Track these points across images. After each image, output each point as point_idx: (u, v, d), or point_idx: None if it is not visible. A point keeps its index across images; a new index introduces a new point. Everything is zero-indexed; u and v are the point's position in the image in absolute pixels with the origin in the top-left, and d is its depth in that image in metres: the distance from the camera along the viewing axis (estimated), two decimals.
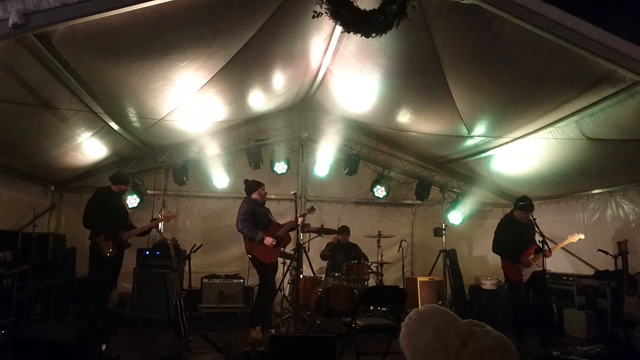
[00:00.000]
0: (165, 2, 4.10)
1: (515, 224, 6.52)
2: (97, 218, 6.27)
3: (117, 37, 4.59)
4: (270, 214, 6.88)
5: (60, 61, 4.62)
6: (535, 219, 6.38)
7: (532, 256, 6.36)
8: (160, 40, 4.96)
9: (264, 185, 6.85)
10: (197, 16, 4.72)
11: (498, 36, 4.90)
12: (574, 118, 5.79)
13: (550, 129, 6.28)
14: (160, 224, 8.10)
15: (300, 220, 6.65)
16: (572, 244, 6.81)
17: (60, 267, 7.42)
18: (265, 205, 6.89)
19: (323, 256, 8.21)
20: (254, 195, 6.74)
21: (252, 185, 6.83)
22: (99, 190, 6.59)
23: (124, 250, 6.50)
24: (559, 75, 5.22)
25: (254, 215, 6.53)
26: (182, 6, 4.29)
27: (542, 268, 6.24)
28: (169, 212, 8.04)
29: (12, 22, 3.72)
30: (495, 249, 6.68)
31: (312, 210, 6.96)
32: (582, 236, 6.66)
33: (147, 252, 7.57)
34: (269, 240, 6.35)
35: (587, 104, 5.41)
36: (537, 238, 6.34)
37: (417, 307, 7.60)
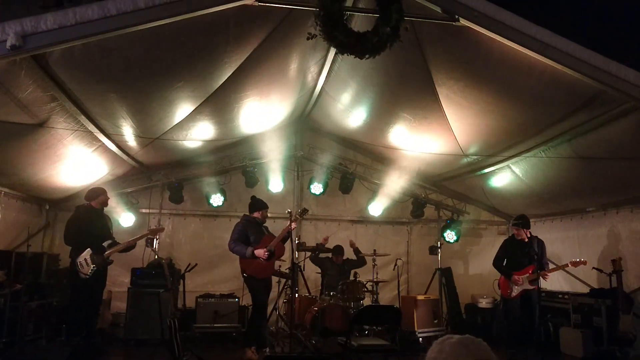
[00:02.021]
0: (162, 24, 4.15)
1: (514, 241, 6.77)
2: (76, 236, 6.09)
3: (114, 58, 4.64)
4: (268, 231, 6.74)
5: (57, 81, 4.67)
6: (536, 236, 6.56)
7: (528, 275, 6.49)
8: (157, 61, 5.01)
9: (268, 207, 6.75)
10: (193, 38, 4.79)
11: (490, 57, 4.99)
12: (566, 137, 5.86)
13: (543, 147, 6.34)
14: (155, 241, 8.08)
15: (293, 225, 6.39)
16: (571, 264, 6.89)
17: (54, 286, 7.37)
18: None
19: (312, 259, 8.07)
20: (256, 214, 6.62)
21: (257, 204, 6.71)
22: (78, 208, 6.40)
23: (107, 268, 6.27)
24: (550, 95, 5.30)
25: (246, 235, 6.40)
26: (179, 28, 4.34)
27: (535, 287, 6.35)
28: (156, 226, 7.99)
29: (10, 44, 3.76)
30: (493, 264, 7.00)
31: (304, 212, 6.66)
32: (586, 262, 6.52)
33: (142, 272, 7.52)
34: (260, 252, 6.16)
35: (579, 123, 5.49)
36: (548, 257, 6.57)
37: (413, 326, 7.62)
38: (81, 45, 4.10)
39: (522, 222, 6.62)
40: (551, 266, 6.90)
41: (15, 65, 4.18)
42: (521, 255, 6.63)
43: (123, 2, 3.95)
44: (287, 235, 6.43)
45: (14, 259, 6.69)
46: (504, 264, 6.83)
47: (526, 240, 6.61)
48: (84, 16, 3.89)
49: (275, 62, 6.15)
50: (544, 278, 6.47)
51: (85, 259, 5.99)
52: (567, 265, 6.57)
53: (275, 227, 8.86)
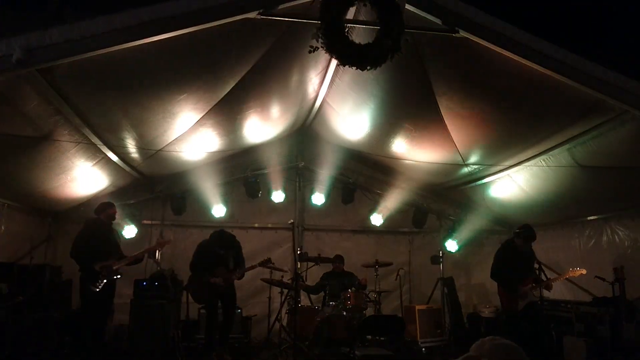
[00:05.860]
0: (165, 38, 4.20)
1: (516, 252, 6.61)
2: (84, 249, 6.17)
3: (118, 72, 4.69)
4: (239, 252, 7.26)
5: (62, 95, 4.70)
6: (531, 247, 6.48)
7: (530, 286, 6.41)
8: (160, 74, 5.07)
9: (224, 244, 7.03)
10: (196, 50, 4.83)
11: (489, 68, 5.04)
12: (566, 146, 5.89)
13: (543, 156, 6.37)
14: (157, 253, 8.08)
15: (236, 277, 7.00)
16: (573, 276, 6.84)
17: (56, 299, 7.35)
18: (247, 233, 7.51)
19: (311, 290, 8.15)
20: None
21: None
22: (87, 222, 6.51)
23: (115, 281, 6.34)
24: (549, 105, 5.35)
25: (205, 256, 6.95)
26: (182, 41, 4.39)
27: (537, 299, 6.27)
28: (162, 238, 8.01)
29: (15, 58, 3.80)
30: (493, 276, 6.77)
31: (267, 262, 7.27)
32: (584, 271, 6.61)
33: (145, 283, 7.49)
34: (216, 280, 6.83)
35: (578, 132, 5.53)
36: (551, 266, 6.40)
37: (416, 336, 7.61)
38: (86, 58, 4.14)
39: (532, 233, 6.53)
40: (551, 275, 6.87)
41: (21, 79, 4.22)
42: (521, 266, 6.52)
43: (128, 16, 4.01)
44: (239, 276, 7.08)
45: (17, 271, 6.69)
46: (505, 276, 6.63)
47: (528, 249, 6.55)
48: (90, 30, 3.94)
49: (277, 73, 6.20)
50: (549, 288, 6.39)
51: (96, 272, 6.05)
52: (567, 274, 6.56)
53: (276, 237, 8.96)
